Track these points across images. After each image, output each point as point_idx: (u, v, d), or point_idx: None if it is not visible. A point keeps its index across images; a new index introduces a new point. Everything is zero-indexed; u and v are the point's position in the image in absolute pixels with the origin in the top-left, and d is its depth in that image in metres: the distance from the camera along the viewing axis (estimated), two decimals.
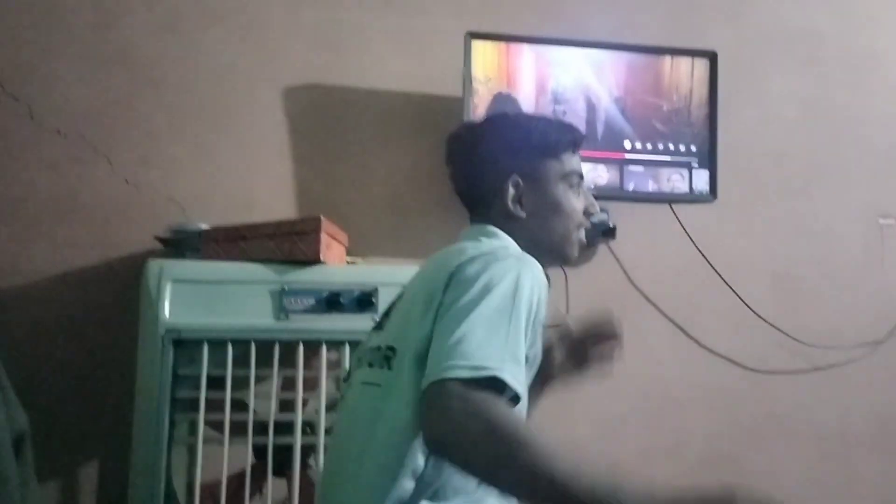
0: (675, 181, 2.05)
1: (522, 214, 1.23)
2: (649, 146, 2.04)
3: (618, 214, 2.07)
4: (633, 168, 2.03)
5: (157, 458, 1.48)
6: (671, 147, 2.05)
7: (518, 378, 0.94)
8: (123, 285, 1.81)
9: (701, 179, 2.06)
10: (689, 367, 2.19)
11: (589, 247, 2.13)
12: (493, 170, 1.24)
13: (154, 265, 1.55)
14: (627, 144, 2.03)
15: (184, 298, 1.53)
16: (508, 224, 1.23)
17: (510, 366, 0.93)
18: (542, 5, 2.15)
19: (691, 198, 2.07)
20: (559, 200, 1.24)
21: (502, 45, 2.00)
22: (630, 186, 2.03)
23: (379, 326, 1.18)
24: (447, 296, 1.02)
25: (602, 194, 2.00)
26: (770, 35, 2.31)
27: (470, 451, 0.90)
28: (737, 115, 2.21)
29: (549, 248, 1.24)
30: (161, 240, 1.75)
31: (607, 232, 2.04)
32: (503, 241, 1.20)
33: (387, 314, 1.18)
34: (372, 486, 1.01)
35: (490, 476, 0.92)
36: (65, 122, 1.88)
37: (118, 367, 1.77)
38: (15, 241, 1.82)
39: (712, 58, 2.08)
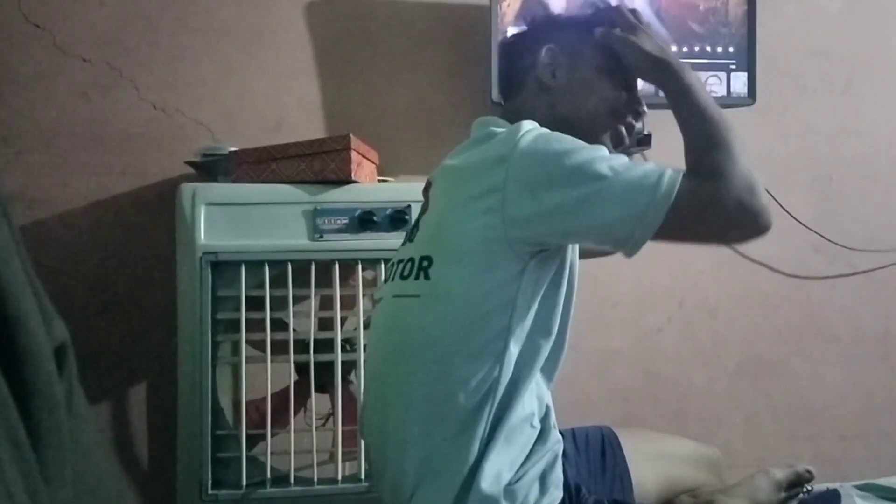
0: (713, 84, 1.98)
1: (553, 84, 1.16)
2: (685, 49, 1.97)
3: (653, 122, 2.00)
4: None
5: (203, 377, 1.52)
6: (708, 49, 1.98)
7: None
8: (157, 210, 1.82)
9: (739, 82, 1.99)
10: (725, 274, 2.17)
11: (624, 154, 2.09)
12: (532, 41, 1.19)
13: (187, 189, 1.55)
14: None
15: (218, 221, 1.54)
16: (538, 99, 1.17)
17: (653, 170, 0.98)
18: None
19: (729, 101, 2.00)
20: (593, 80, 1.15)
21: None
22: None
23: (410, 239, 1.16)
24: (542, 193, 0.98)
25: None
26: None
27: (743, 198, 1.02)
28: (776, 13, 2.12)
29: (574, 125, 1.12)
30: (192, 164, 1.75)
31: (643, 140, 1.99)
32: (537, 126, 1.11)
33: (415, 226, 1.16)
34: (422, 405, 1.03)
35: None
36: (89, 49, 1.86)
37: (158, 292, 1.81)
38: (47, 169, 1.83)
39: None
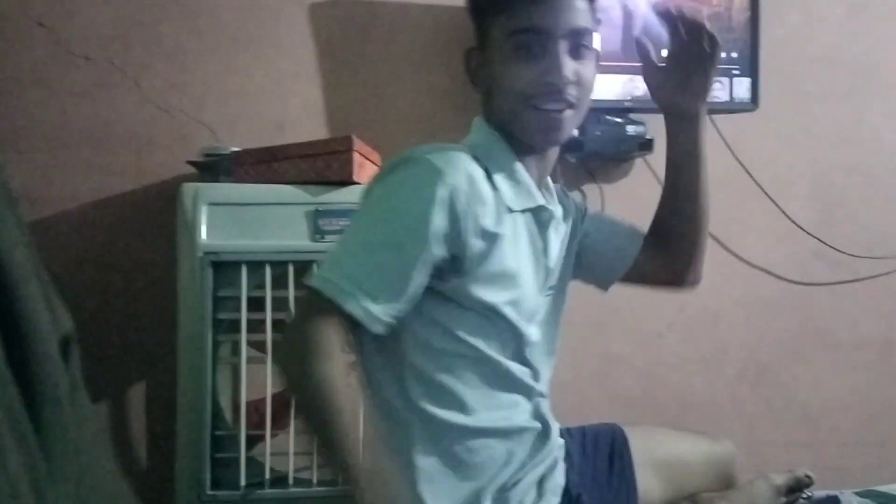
0: (715, 90, 1.98)
1: (482, 89, 1.10)
2: None
3: (655, 127, 2.01)
4: None
5: (203, 377, 1.51)
6: None
7: (374, 309, 0.93)
8: (159, 210, 1.82)
9: (742, 87, 1.99)
10: (727, 280, 2.16)
11: (625, 161, 2.09)
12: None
13: (189, 189, 1.55)
14: (665, 53, 1.95)
15: (220, 221, 1.54)
16: (487, 106, 1.11)
17: (364, 295, 0.93)
18: None
19: (732, 107, 2.00)
20: (497, 70, 1.05)
21: None
22: None
23: None
24: None
25: (639, 106, 1.95)
26: None
27: (281, 354, 1.00)
28: (780, 19, 2.12)
29: (512, 131, 1.08)
30: (194, 164, 1.75)
31: (644, 145, 1.99)
32: (470, 138, 1.12)
33: None
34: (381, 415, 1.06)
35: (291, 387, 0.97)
36: (92, 48, 1.86)
37: (159, 291, 1.80)
38: (51, 168, 1.83)
39: None
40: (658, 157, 2.06)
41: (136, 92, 1.88)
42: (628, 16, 1.95)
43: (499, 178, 1.05)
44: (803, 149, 2.21)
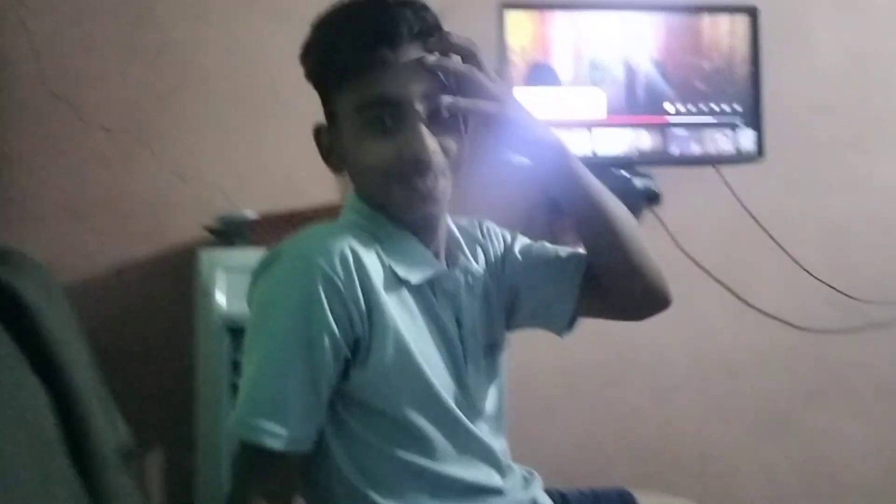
0: (721, 142, 2.01)
1: (340, 171, 1.02)
2: (692, 108, 2.00)
3: (663, 180, 2.03)
4: (676, 131, 1.99)
5: (220, 443, 1.52)
6: (714, 107, 2.01)
7: (294, 434, 0.89)
8: (176, 276, 1.84)
9: (747, 139, 2.02)
10: (741, 330, 2.16)
11: (633, 213, 2.10)
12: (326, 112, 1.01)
13: (206, 255, 1.58)
14: (669, 107, 1.99)
15: (237, 287, 1.56)
16: (353, 183, 1.03)
17: (278, 425, 0.88)
18: None
19: (738, 158, 2.03)
20: (351, 148, 0.96)
21: (536, 13, 1.97)
22: (674, 150, 1.99)
23: None
24: None
25: (646, 160, 1.98)
26: None
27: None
28: (782, 71, 2.16)
29: (384, 209, 0.99)
30: (210, 229, 1.78)
31: (652, 198, 2.01)
32: (344, 215, 1.04)
33: None
34: None
35: None
36: (110, 119, 1.90)
37: (176, 357, 1.81)
38: (69, 236, 1.86)
39: (752, 13, 2.02)
40: (666, 209, 2.09)
41: (152, 160, 1.91)
42: (630, 71, 1.99)
43: (387, 252, 0.97)
44: (811, 197, 2.22)
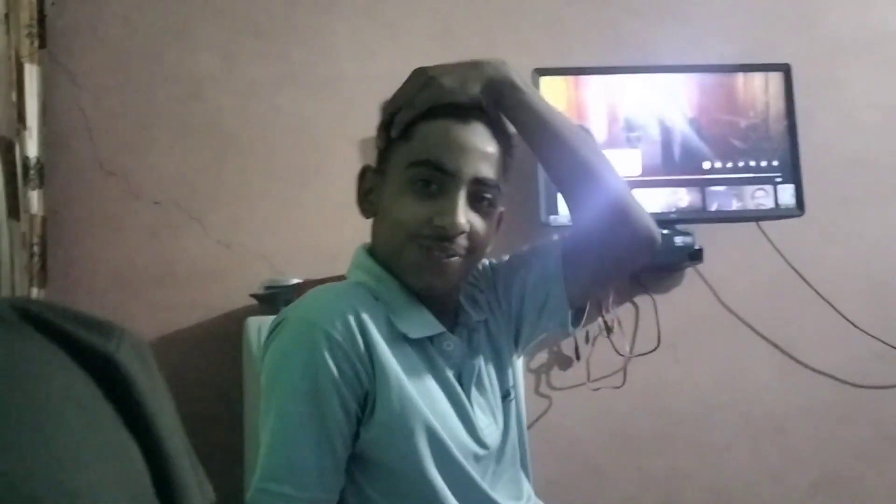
0: (760, 197, 2.01)
1: (370, 215, 1.04)
2: (729, 164, 2.01)
3: (702, 236, 2.04)
4: (714, 188, 2.00)
5: None
6: (752, 164, 2.02)
7: (315, 496, 0.90)
8: (224, 343, 1.87)
9: (786, 194, 2.02)
10: (790, 387, 2.12)
11: (675, 271, 2.11)
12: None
13: (253, 323, 1.60)
14: (707, 165, 2.01)
15: None
16: (374, 231, 1.05)
17: (299, 489, 0.89)
18: (608, 34, 2.16)
19: (778, 213, 2.02)
20: (388, 198, 0.99)
21: (570, 78, 2.01)
22: (713, 207, 2.00)
23: None
24: None
25: (684, 217, 1.99)
26: (844, 41, 2.26)
27: None
28: (818, 126, 2.17)
29: (393, 268, 1.01)
30: (256, 296, 1.81)
31: (693, 255, 2.01)
32: (350, 274, 1.06)
33: None
34: None
35: None
36: (159, 192, 1.97)
37: (227, 423, 1.83)
38: (120, 307, 1.90)
39: (786, 71, 2.05)
40: (708, 266, 2.08)
41: (199, 230, 1.97)
42: (665, 131, 2.02)
43: (389, 309, 0.98)
44: (854, 250, 2.20)
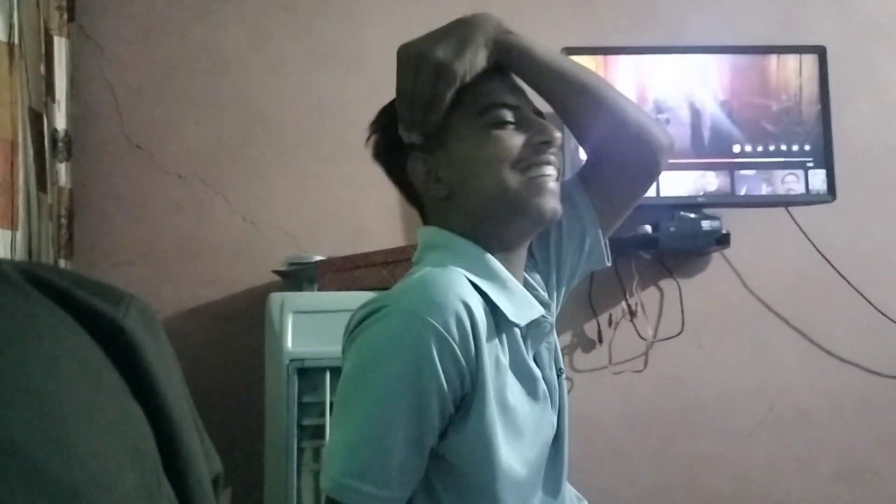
0: (790, 182, 1.98)
1: (443, 194, 0.97)
2: (760, 148, 1.97)
3: (730, 221, 2.01)
4: (744, 172, 1.97)
5: (288, 483, 1.53)
6: (783, 148, 1.98)
7: (393, 495, 0.85)
8: (246, 318, 1.88)
9: (818, 179, 1.98)
10: (816, 376, 2.09)
11: (702, 255, 2.08)
12: (397, 151, 1.01)
13: (275, 298, 1.61)
14: (737, 148, 1.97)
15: (305, 329, 1.59)
16: (446, 216, 0.99)
17: (378, 487, 0.84)
18: (639, 13, 2.13)
19: (808, 199, 1.98)
20: (472, 153, 0.95)
21: (599, 57, 1.98)
22: (742, 191, 1.96)
23: None
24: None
25: (712, 201, 1.96)
26: (881, 24, 2.20)
27: None
28: (851, 110, 2.12)
29: (497, 217, 0.95)
30: (279, 273, 1.82)
31: (721, 239, 1.98)
32: (429, 258, 0.97)
33: None
34: None
35: None
36: (185, 167, 1.98)
37: (246, 397, 1.85)
38: (145, 281, 1.92)
39: (821, 53, 2.00)
40: (735, 251, 2.05)
41: (224, 206, 1.98)
42: (695, 113, 1.98)
43: (494, 295, 0.92)
44: (885, 237, 2.16)
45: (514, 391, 0.93)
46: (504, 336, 0.93)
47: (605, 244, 1.08)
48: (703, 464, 2.05)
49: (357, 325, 0.90)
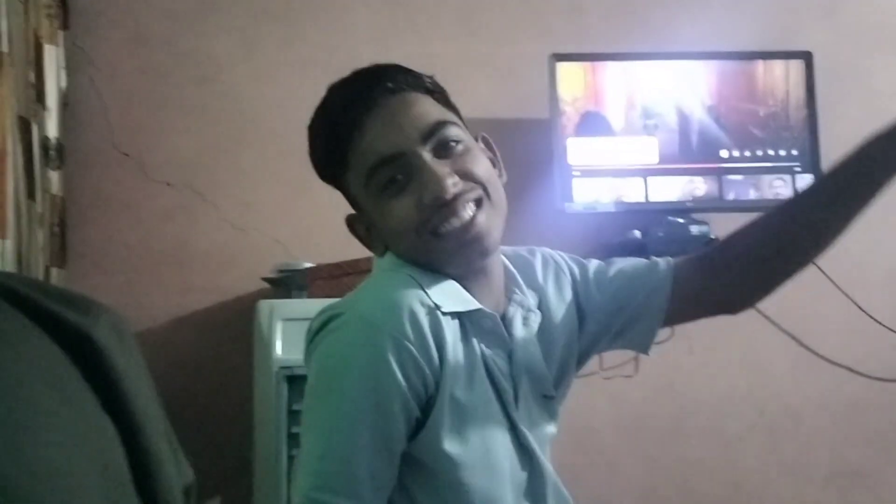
0: (778, 187, 1.99)
1: (380, 252, 0.97)
2: (748, 153, 1.99)
3: (719, 226, 2.01)
4: (731, 177, 1.98)
5: (278, 491, 1.53)
6: (771, 153, 1.99)
7: (358, 499, 0.84)
8: (235, 326, 1.88)
9: (805, 183, 1.98)
10: (806, 379, 2.10)
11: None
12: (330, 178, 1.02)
13: (265, 305, 1.61)
14: (724, 153, 1.98)
15: (294, 336, 1.58)
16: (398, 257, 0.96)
17: (348, 499, 0.83)
18: (627, 20, 2.14)
19: None
20: (379, 220, 0.93)
21: (587, 64, 1.99)
22: (730, 196, 1.97)
23: None
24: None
25: (701, 206, 1.97)
26: (868, 29, 2.22)
27: None
28: (839, 115, 2.13)
29: (434, 264, 0.93)
30: (268, 280, 1.82)
31: (709, 244, 1.98)
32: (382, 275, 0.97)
33: None
34: None
35: None
36: (173, 174, 1.98)
37: (235, 405, 1.84)
38: (132, 288, 1.92)
39: (807, 58, 2.01)
40: None
41: (214, 213, 1.97)
42: (683, 118, 1.99)
43: (443, 301, 0.90)
44: (875, 241, 2.16)
45: (462, 384, 0.91)
46: (456, 330, 0.92)
47: (653, 336, 1.05)
48: (694, 468, 2.05)
49: (316, 334, 0.90)
